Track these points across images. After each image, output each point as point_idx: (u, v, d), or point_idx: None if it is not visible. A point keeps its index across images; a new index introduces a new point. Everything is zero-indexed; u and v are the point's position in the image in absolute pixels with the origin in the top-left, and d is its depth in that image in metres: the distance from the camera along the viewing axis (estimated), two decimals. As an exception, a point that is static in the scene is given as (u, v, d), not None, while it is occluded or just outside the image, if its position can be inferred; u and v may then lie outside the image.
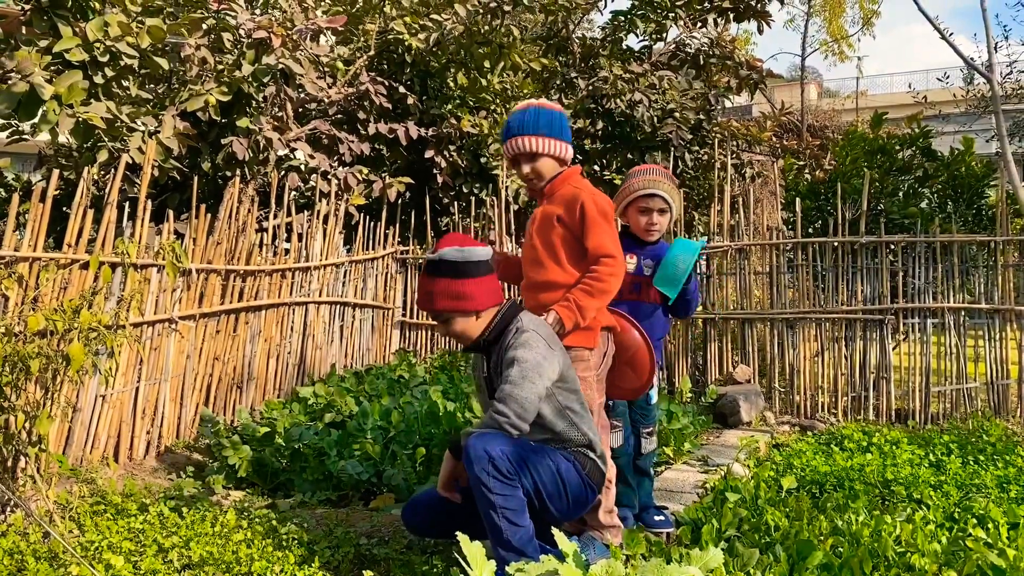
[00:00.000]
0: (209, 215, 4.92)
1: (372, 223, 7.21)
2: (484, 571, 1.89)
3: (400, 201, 7.70)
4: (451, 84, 8.33)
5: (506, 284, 4.14)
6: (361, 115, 7.79)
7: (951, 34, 9.09)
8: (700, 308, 6.44)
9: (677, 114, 8.81)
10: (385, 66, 8.49)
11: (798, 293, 6.30)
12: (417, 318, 7.58)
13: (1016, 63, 13.81)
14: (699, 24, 9.89)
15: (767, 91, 15.77)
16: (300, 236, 6.10)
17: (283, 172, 6.63)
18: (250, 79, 5.89)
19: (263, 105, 6.36)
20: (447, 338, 7.38)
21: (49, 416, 3.10)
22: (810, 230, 7.28)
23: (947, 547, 2.79)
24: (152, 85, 6.26)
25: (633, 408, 3.32)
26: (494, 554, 2.33)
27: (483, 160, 8.17)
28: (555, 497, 2.54)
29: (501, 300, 2.70)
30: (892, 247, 6.12)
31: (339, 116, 7.91)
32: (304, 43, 6.32)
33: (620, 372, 3.02)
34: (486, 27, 8.15)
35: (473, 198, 7.92)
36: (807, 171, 11.45)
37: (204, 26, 5.64)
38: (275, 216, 5.91)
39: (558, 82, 9.77)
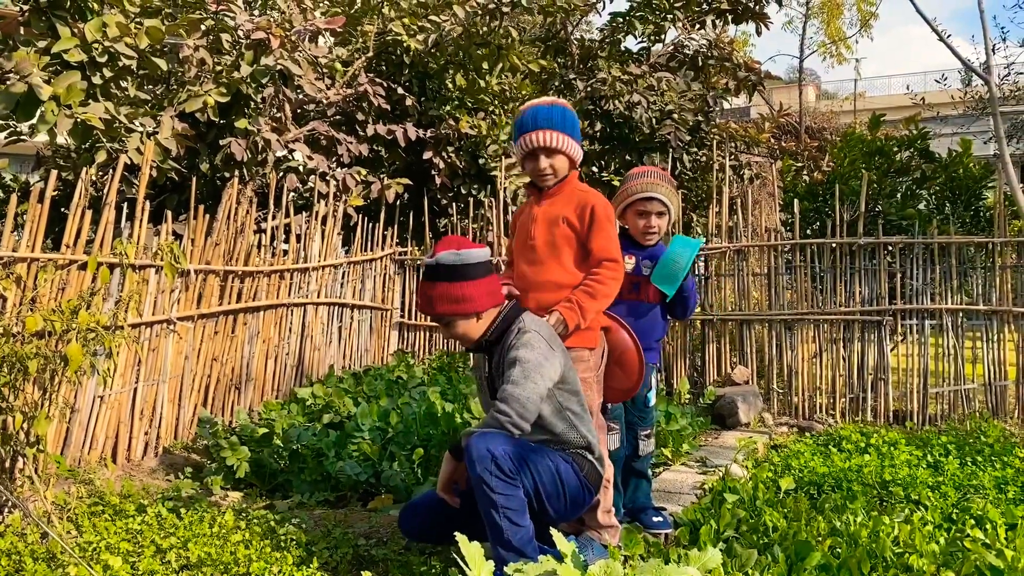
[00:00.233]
0: (207, 216, 4.92)
1: (370, 224, 7.21)
2: (483, 571, 1.90)
3: (398, 202, 7.70)
4: (449, 85, 8.33)
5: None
6: (359, 116, 7.79)
7: (949, 36, 9.09)
8: (698, 309, 6.45)
9: (675, 115, 8.82)
10: (383, 67, 8.50)
11: (796, 294, 6.31)
12: (415, 319, 7.58)
13: (1014, 65, 13.85)
14: (697, 26, 9.90)
15: (765, 93, 15.78)
16: (298, 237, 6.10)
17: (281, 173, 6.63)
18: (248, 80, 5.89)
19: (261, 106, 6.36)
20: (446, 339, 7.39)
21: (47, 417, 3.10)
22: (808, 231, 7.29)
23: (945, 548, 2.80)
24: (150, 86, 6.26)
25: (632, 411, 3.32)
26: (493, 554, 2.34)
27: (481, 161, 8.17)
28: (554, 498, 2.55)
29: (502, 301, 2.70)
30: (890, 248, 6.13)
31: (337, 117, 7.91)
32: (303, 44, 6.32)
33: (609, 372, 3.01)
34: (484, 28, 8.16)
35: (471, 199, 7.92)
36: (805, 173, 11.46)
37: (202, 27, 5.64)
38: (273, 217, 5.91)
39: (556, 83, 9.78)
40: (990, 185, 7.05)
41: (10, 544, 2.75)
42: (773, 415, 6.04)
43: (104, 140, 4.85)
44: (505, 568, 2.01)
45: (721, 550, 2.70)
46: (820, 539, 2.90)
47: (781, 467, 4.32)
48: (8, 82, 4.23)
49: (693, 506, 3.45)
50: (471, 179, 8.30)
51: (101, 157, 4.87)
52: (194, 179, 5.42)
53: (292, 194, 6.50)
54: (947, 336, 5.95)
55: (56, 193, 5.53)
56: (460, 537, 1.95)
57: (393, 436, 4.27)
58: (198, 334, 4.87)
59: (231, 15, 6.04)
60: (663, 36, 10.04)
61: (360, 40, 8.41)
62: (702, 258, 6.60)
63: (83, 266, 3.85)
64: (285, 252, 6.01)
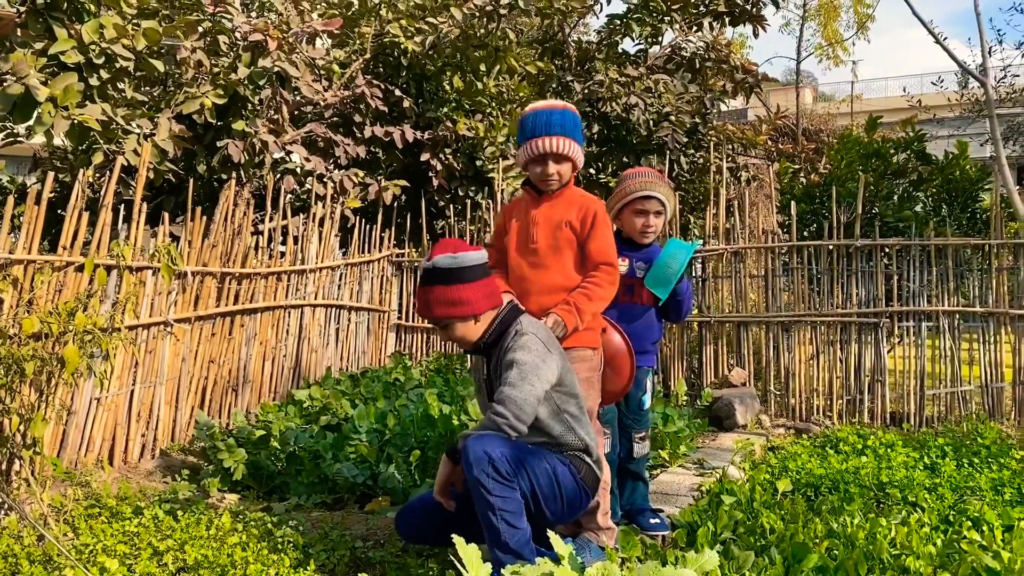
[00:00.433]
0: (205, 218, 4.91)
1: (368, 226, 7.21)
2: (480, 573, 1.89)
3: (396, 204, 7.70)
4: (447, 87, 8.33)
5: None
6: (357, 118, 7.79)
7: (945, 39, 9.13)
8: (695, 311, 6.45)
9: (673, 117, 8.83)
10: (381, 69, 8.50)
11: (793, 296, 6.32)
12: (413, 321, 7.58)
13: (1010, 67, 13.85)
14: (695, 28, 9.92)
15: (762, 95, 15.79)
16: (296, 239, 6.10)
17: (279, 175, 6.62)
18: (246, 82, 5.89)
19: (259, 108, 6.36)
20: (444, 341, 7.38)
21: (44, 419, 3.10)
22: (805, 233, 7.31)
23: (942, 549, 2.80)
24: (148, 87, 6.26)
25: (625, 413, 3.32)
26: (491, 556, 2.33)
27: (479, 163, 8.18)
28: (550, 500, 2.55)
29: (499, 303, 2.70)
30: (887, 250, 6.14)
31: (335, 119, 7.91)
32: (300, 46, 6.32)
33: (601, 373, 3.02)
34: (482, 30, 8.16)
35: (469, 201, 7.92)
36: (802, 175, 11.49)
37: (200, 29, 5.64)
38: (271, 219, 5.91)
39: (554, 85, 9.79)
40: (986, 187, 7.07)
41: (6, 547, 2.74)
42: (770, 417, 6.04)
43: (101, 142, 4.84)
44: (502, 570, 2.01)
45: (718, 552, 2.70)
46: (817, 541, 2.90)
47: (778, 469, 4.33)
48: (5, 83, 4.22)
49: (690, 508, 3.45)
50: (468, 181, 8.30)
51: (98, 159, 4.86)
52: (191, 181, 5.42)
53: (289, 196, 6.50)
54: (944, 338, 5.97)
55: (53, 195, 5.53)
56: (457, 539, 1.95)
57: (390, 438, 4.27)
58: (195, 336, 4.87)
59: (228, 17, 6.04)
60: (660, 38, 10.07)
61: (357, 42, 8.41)
62: (699, 260, 6.61)
63: (80, 268, 3.84)
64: (282, 254, 6.00)
